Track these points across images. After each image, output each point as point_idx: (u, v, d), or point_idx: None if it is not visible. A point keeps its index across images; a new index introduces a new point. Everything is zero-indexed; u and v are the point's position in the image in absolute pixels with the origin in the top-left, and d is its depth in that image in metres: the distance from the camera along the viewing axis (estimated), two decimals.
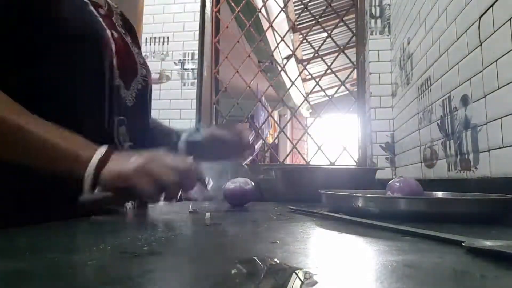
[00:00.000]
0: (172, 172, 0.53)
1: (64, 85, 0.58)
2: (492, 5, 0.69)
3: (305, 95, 2.55)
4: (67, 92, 0.58)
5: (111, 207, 0.58)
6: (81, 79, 0.60)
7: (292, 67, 4.37)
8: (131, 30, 0.79)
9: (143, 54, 0.94)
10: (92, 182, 0.49)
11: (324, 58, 2.22)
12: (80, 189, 0.49)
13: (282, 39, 1.94)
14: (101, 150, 0.51)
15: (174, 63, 1.91)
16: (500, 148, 0.67)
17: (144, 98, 0.73)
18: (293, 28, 2.92)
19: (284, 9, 2.14)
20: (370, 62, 1.66)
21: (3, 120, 0.48)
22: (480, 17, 0.74)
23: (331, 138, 1.88)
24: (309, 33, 2.19)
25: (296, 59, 3.98)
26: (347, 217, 0.48)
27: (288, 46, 2.15)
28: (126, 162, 0.52)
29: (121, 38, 0.70)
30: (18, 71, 0.55)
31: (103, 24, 0.65)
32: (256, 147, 0.69)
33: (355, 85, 1.88)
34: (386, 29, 1.65)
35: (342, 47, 1.90)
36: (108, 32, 0.65)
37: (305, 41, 2.24)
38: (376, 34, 1.66)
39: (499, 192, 0.56)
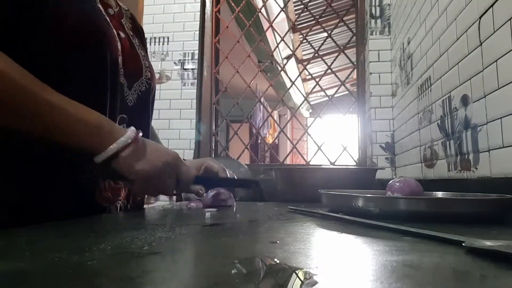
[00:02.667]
0: (173, 187, 0.60)
1: (66, 77, 0.58)
2: (492, 5, 0.69)
3: (305, 95, 2.55)
4: (69, 85, 0.57)
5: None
6: (83, 73, 0.59)
7: (292, 67, 4.37)
8: (139, 33, 0.80)
9: None
10: (107, 159, 0.52)
11: (324, 58, 2.22)
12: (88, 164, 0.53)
13: (282, 39, 1.94)
14: (129, 133, 0.54)
15: (174, 63, 1.91)
16: (500, 148, 0.67)
17: (146, 100, 0.73)
18: (293, 28, 2.92)
19: (284, 9, 2.14)
20: (370, 62, 1.66)
21: (32, 94, 0.48)
22: (480, 17, 0.74)
23: (331, 138, 1.88)
24: (309, 33, 2.19)
25: (296, 59, 3.98)
26: (347, 217, 0.48)
27: (288, 46, 2.15)
28: (143, 159, 0.55)
29: (128, 39, 0.71)
30: (20, 61, 0.54)
31: (109, 21, 0.65)
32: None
33: (355, 85, 1.88)
34: (386, 29, 1.65)
35: (342, 47, 1.90)
36: (114, 30, 0.65)
37: (305, 41, 2.24)
38: (376, 34, 1.66)
39: (499, 192, 0.56)
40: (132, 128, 0.55)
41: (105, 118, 0.55)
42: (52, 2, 0.57)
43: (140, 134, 0.56)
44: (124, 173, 0.54)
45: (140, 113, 0.71)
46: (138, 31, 0.79)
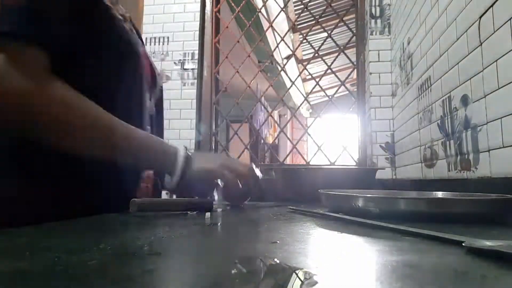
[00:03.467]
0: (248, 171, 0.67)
1: (104, 97, 0.58)
2: (492, 5, 0.69)
3: (305, 95, 2.55)
4: (112, 102, 0.59)
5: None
6: (119, 93, 0.62)
7: (292, 67, 4.37)
8: (139, 36, 0.80)
9: None
10: (182, 171, 0.60)
11: (324, 58, 2.21)
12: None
13: (282, 39, 1.94)
14: (183, 151, 0.62)
15: (174, 63, 1.91)
16: (500, 148, 0.67)
17: (160, 107, 0.76)
18: (293, 28, 2.92)
19: (284, 9, 2.14)
20: (370, 62, 1.66)
21: (116, 130, 0.57)
22: (480, 17, 0.74)
23: (331, 138, 1.88)
24: (309, 33, 2.19)
25: (296, 59, 3.98)
26: (347, 217, 0.48)
27: (288, 46, 2.15)
28: (206, 160, 0.64)
29: (144, 50, 0.72)
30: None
31: (138, 39, 0.68)
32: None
33: (355, 85, 1.88)
34: (386, 29, 1.65)
35: (342, 47, 1.90)
36: (142, 47, 0.67)
37: (305, 41, 2.24)
38: (376, 34, 1.66)
39: (499, 192, 0.56)
40: (177, 146, 0.63)
41: (163, 141, 0.64)
42: (98, 25, 0.59)
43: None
44: (207, 167, 0.62)
45: (158, 121, 0.74)
46: (138, 34, 0.79)
